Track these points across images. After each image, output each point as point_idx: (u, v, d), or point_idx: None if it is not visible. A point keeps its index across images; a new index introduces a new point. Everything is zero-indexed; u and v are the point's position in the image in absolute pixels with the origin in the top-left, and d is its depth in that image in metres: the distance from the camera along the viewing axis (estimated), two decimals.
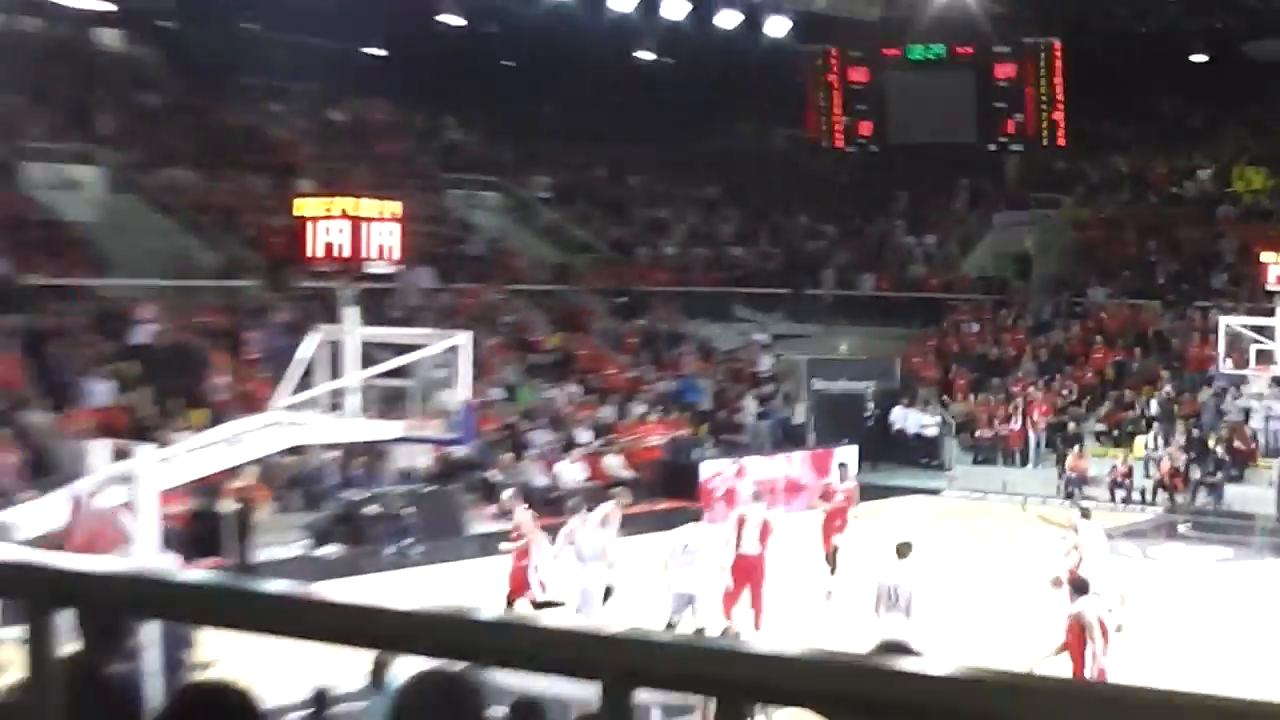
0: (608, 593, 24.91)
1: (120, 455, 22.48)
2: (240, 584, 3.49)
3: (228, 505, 30.44)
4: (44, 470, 29.98)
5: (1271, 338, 40.44)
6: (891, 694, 2.46)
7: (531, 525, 25.54)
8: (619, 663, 2.53)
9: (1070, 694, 2.84)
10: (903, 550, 21.59)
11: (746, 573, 25.40)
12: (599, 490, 38.21)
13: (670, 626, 23.86)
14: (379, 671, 13.34)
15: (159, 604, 3.57)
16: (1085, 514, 26.71)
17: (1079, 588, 19.29)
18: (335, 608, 3.01)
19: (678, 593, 24.36)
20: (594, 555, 24.79)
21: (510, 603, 24.50)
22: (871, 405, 47.23)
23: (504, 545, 25.81)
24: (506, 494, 28.34)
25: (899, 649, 5.82)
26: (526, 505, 26.90)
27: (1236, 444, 43.67)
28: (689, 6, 42.21)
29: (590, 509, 26.01)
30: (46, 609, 2.72)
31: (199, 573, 3.62)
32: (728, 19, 43.65)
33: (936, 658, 2.62)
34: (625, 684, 2.51)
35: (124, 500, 21.25)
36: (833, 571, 27.68)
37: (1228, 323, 41.50)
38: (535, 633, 2.69)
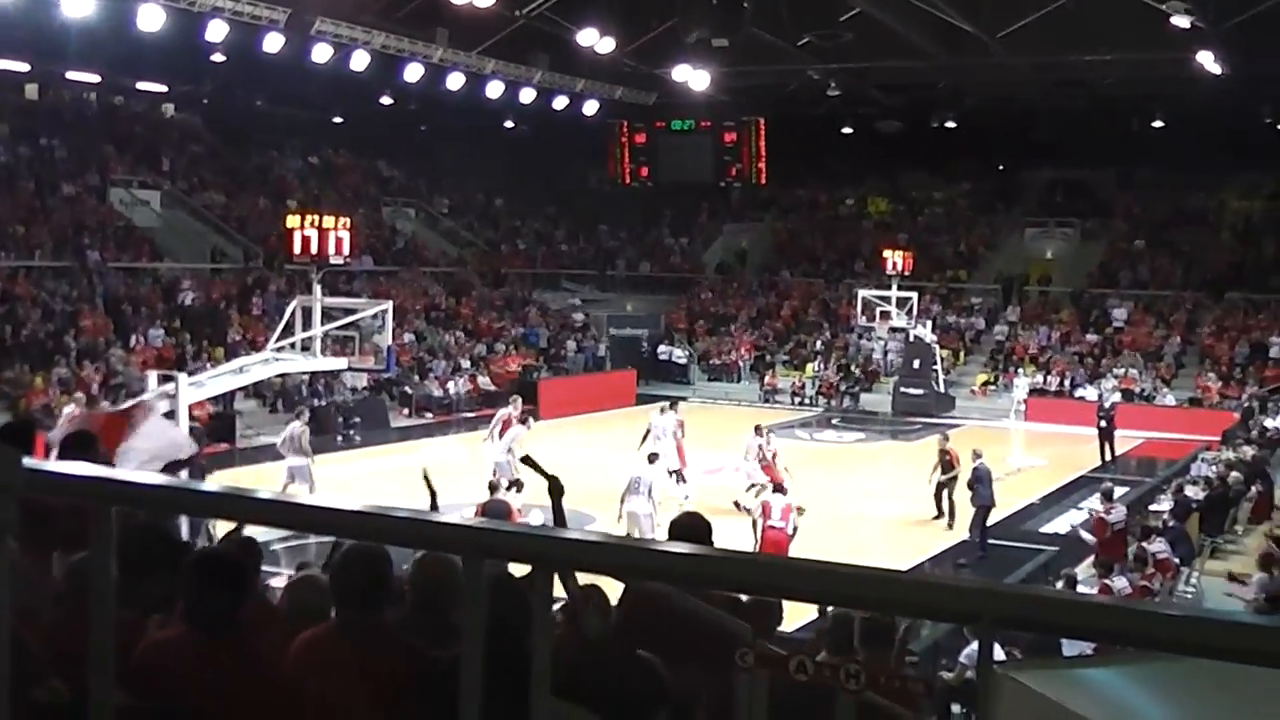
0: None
1: (166, 379, 21.82)
2: (213, 489, 3.19)
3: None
4: (118, 389, 29.01)
5: (889, 303, 40.96)
6: (653, 563, 2.47)
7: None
8: (476, 543, 2.45)
9: (755, 563, 2.63)
10: (651, 458, 21.27)
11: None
12: (474, 397, 38.17)
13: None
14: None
15: (177, 504, 3.38)
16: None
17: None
18: (277, 504, 2.99)
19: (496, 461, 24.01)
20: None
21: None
22: (646, 344, 47.38)
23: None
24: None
25: (689, 528, 5.46)
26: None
27: (868, 367, 44.26)
28: (535, 93, 41.53)
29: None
30: (107, 507, 2.63)
31: (200, 483, 3.33)
32: (560, 102, 43.15)
33: (682, 543, 2.56)
34: (479, 557, 2.44)
35: (167, 409, 20.57)
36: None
37: (863, 294, 41.91)
38: (422, 525, 2.61)
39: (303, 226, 23.44)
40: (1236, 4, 31.51)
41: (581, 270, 53.49)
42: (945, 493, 23.37)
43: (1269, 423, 29.89)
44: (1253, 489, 22.14)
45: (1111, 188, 51.06)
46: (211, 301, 37.19)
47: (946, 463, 23.50)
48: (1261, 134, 42.65)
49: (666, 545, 2.49)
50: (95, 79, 43.15)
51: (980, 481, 21.66)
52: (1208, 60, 33.43)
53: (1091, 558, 18.50)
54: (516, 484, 18.90)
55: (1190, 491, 21.84)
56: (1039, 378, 41.64)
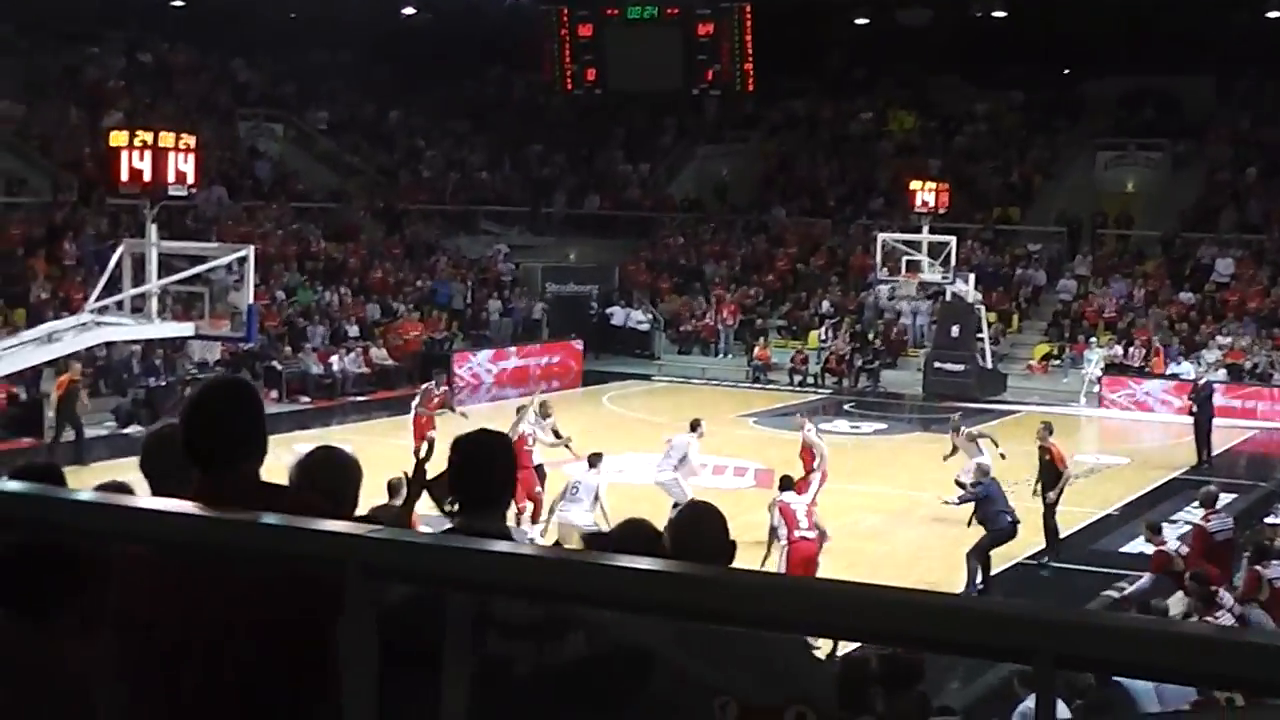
0: None
1: None
2: None
3: (50, 393, 29.59)
4: None
5: (919, 250, 41.10)
6: (611, 584, 2.44)
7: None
8: (367, 558, 2.49)
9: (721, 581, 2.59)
10: (593, 460, 21.30)
11: None
12: (367, 376, 38.13)
13: None
14: None
15: None
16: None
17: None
18: (94, 507, 3.00)
19: None
20: None
21: None
22: (596, 305, 47.44)
23: None
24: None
25: (635, 539, 5.46)
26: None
27: (891, 336, 44.49)
28: None
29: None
30: None
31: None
32: None
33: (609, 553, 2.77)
34: (370, 577, 2.49)
35: None
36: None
37: (884, 238, 42.01)
38: (297, 533, 2.66)
39: (130, 147, 23.21)
40: None
41: (507, 207, 53.40)
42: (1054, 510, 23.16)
43: None
44: None
45: (1210, 99, 51.34)
46: (8, 246, 36.84)
47: (1049, 466, 23.39)
48: None
49: (627, 561, 2.46)
50: None
51: (997, 502, 21.32)
52: None
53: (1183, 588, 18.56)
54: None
55: None
56: (1117, 350, 41.87)
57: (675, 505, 22.45)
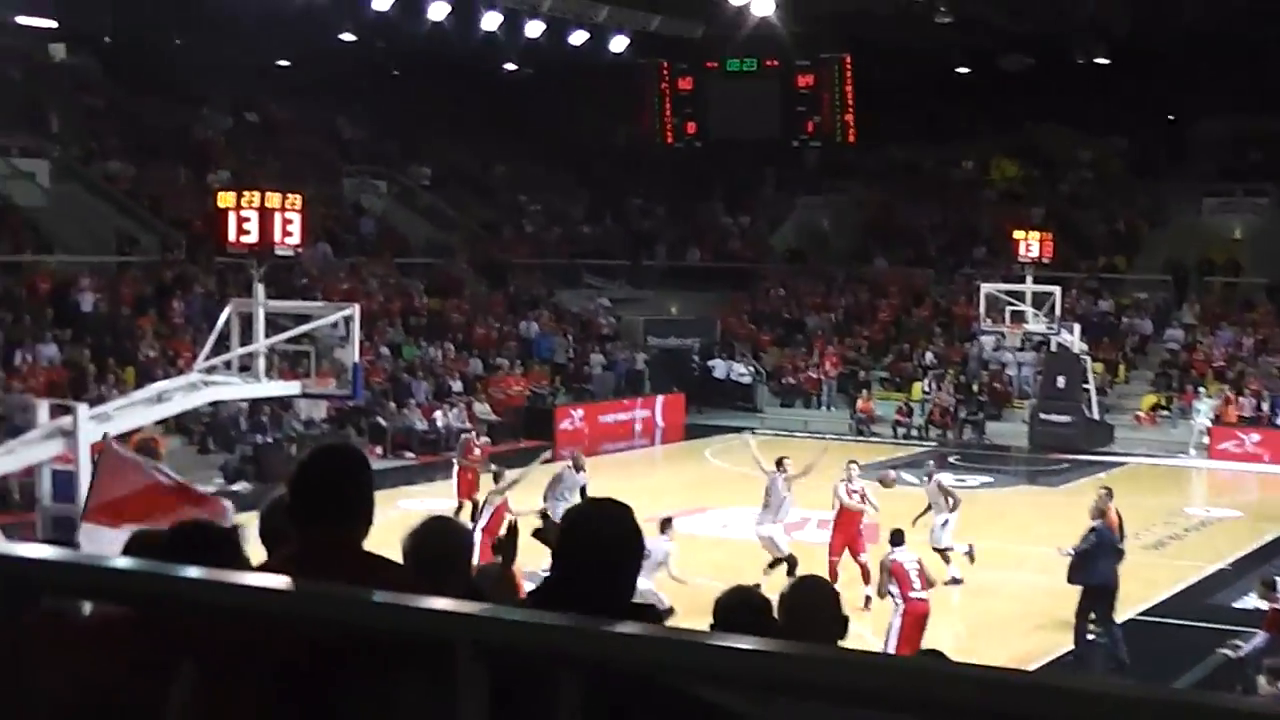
0: None
1: (61, 410, 21.84)
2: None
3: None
4: None
5: (1022, 300, 40.87)
6: (724, 662, 2.41)
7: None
8: (477, 636, 2.51)
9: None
10: (664, 526, 21.02)
11: None
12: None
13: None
14: None
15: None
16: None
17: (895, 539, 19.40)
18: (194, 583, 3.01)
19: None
20: None
21: None
22: (697, 358, 47.47)
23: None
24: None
25: (743, 609, 5.41)
26: None
27: (995, 388, 44.19)
28: (545, 26, 41.73)
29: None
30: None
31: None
32: (578, 37, 43.42)
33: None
34: (481, 656, 2.48)
35: (61, 451, 20.61)
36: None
37: (987, 288, 41.83)
38: (404, 610, 2.67)
39: (238, 206, 23.45)
40: None
41: (608, 260, 53.62)
42: None
43: None
44: None
45: None
46: (118, 306, 37.31)
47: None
48: None
49: (743, 641, 2.45)
50: None
51: (1099, 553, 20.60)
52: None
53: None
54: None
55: None
56: (1227, 399, 41.35)
57: (772, 563, 22.53)
